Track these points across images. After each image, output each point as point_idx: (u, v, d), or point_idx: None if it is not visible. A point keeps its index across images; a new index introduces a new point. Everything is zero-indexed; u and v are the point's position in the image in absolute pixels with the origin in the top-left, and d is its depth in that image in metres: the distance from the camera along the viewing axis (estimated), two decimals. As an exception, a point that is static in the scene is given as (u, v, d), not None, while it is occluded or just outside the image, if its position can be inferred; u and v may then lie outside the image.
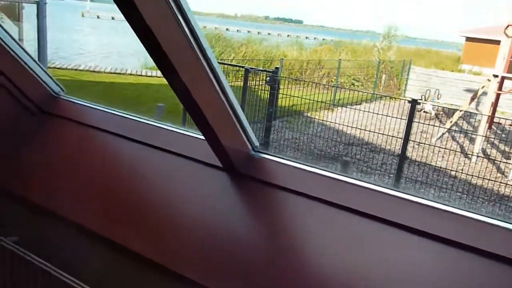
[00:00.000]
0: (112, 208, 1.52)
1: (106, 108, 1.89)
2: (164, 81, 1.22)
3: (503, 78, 8.39)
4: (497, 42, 31.93)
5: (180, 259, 1.29)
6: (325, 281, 1.15)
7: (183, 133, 1.65)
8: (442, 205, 1.20)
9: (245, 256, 1.25)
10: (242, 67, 7.58)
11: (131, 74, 14.41)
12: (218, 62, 4.83)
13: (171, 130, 1.68)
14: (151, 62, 15.50)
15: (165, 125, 1.72)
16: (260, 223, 1.38)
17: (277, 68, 6.52)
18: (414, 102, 4.47)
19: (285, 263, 1.21)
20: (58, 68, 13.78)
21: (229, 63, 9.37)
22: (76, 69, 14.23)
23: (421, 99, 13.94)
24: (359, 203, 1.25)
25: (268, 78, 6.17)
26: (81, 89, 10.27)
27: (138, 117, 1.80)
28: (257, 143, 1.49)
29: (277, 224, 1.36)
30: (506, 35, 7.82)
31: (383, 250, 1.18)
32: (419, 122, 7.71)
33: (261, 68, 8.68)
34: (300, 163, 1.42)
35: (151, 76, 14.40)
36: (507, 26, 7.74)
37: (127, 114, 1.82)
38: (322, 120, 10.25)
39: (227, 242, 1.30)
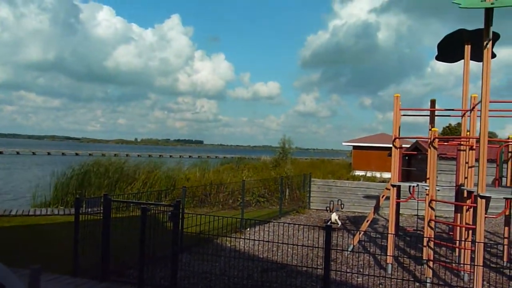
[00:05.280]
0: None
1: None
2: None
3: (399, 186, 8.77)
4: (378, 148, 35.41)
5: None
6: None
7: None
8: None
9: None
10: (139, 203, 6.93)
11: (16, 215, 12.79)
12: (112, 200, 4.15)
13: None
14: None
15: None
16: None
17: (178, 201, 6.00)
18: (328, 229, 4.17)
19: None
20: None
21: (124, 200, 8.61)
22: None
23: (327, 210, 14.18)
24: None
25: (170, 213, 5.61)
26: None
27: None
28: None
29: None
30: (394, 146, 8.34)
31: None
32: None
33: (161, 203, 8.10)
34: None
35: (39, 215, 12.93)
36: (395, 139, 8.29)
37: None
38: (233, 246, 9.68)
39: None
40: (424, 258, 7.76)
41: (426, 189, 8.02)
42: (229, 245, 9.75)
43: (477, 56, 8.44)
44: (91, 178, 15.92)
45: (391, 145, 8.73)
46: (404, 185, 8.98)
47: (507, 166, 9.55)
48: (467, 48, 8.48)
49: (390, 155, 9.14)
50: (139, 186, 16.16)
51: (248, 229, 11.71)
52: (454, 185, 9.39)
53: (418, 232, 11.39)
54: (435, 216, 8.11)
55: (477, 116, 8.03)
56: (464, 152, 8.65)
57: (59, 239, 9.76)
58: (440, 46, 8.94)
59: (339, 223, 12.69)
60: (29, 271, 3.62)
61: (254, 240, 9.27)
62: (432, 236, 7.84)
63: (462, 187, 8.47)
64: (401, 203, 10.22)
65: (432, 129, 8.14)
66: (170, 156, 73.56)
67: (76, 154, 73.28)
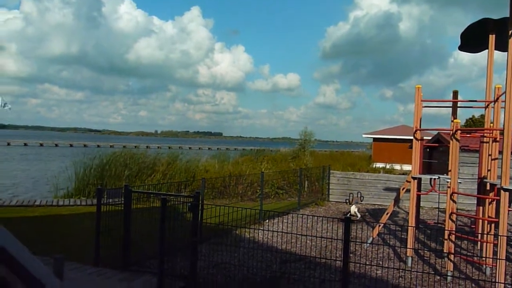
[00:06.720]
0: None
1: None
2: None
3: (420, 179, 8.65)
4: (398, 141, 34.86)
5: None
6: None
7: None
8: None
9: None
10: (159, 194, 7.01)
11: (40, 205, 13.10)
12: (132, 191, 4.22)
13: None
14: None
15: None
16: None
17: (198, 192, 6.05)
18: (347, 221, 4.16)
19: None
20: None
21: (144, 191, 8.73)
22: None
23: (346, 202, 14.11)
24: None
25: (190, 204, 5.66)
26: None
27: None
28: None
29: None
30: (415, 138, 8.22)
31: None
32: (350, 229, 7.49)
33: (181, 194, 8.18)
34: None
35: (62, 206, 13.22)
36: (416, 131, 8.17)
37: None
38: (252, 237, 9.73)
39: None
40: (445, 251, 7.67)
41: (447, 182, 7.89)
42: (248, 236, 9.81)
43: (501, 45, 8.22)
44: (111, 169, 16.18)
45: (412, 137, 8.61)
46: (425, 178, 8.86)
47: (532, 159, 9.32)
48: (492, 38, 8.27)
49: (411, 147, 9.02)
50: (159, 178, 16.36)
51: (267, 220, 11.75)
52: (477, 177, 9.21)
53: (439, 225, 11.25)
54: (457, 209, 7.98)
55: (501, 108, 7.84)
56: (487, 144, 8.47)
57: (81, 229, 9.97)
58: (464, 35, 8.74)
59: (359, 215, 12.62)
60: (52, 260, 3.69)
61: (273, 231, 9.29)
62: (453, 229, 7.74)
63: (485, 180, 8.32)
64: (421, 195, 10.09)
65: (455, 120, 7.99)
66: (190, 148, 74.12)
67: (98, 146, 74.50)
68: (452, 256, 7.43)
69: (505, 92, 6.75)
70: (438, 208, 12.70)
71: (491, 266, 7.45)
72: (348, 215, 12.36)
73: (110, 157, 17.11)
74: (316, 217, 9.75)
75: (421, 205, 11.78)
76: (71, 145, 78.44)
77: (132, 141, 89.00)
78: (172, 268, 6.79)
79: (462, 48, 9.23)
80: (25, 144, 73.79)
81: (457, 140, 7.68)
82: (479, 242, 8.65)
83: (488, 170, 8.31)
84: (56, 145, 77.39)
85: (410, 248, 8.13)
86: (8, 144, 70.68)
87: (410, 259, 8.11)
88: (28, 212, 12.07)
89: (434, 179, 8.95)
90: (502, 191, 6.77)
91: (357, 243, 9.29)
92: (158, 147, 69.57)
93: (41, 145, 75.85)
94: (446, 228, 7.71)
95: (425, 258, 8.74)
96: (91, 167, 16.29)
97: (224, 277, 6.89)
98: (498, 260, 6.58)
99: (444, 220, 8.24)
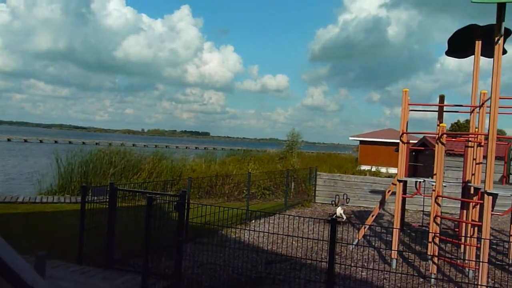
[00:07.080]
0: None
1: None
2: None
3: (405, 182, 8.73)
4: (385, 144, 35.07)
5: None
6: None
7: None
8: None
9: None
10: (145, 192, 6.95)
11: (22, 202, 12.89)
12: (118, 189, 4.16)
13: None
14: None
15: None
16: None
17: (184, 191, 6.02)
18: (333, 222, 4.16)
19: None
20: None
21: (130, 189, 8.66)
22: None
23: (332, 204, 14.17)
24: None
25: (176, 203, 5.62)
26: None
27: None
28: None
29: None
30: (402, 141, 8.29)
31: None
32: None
33: (167, 193, 8.12)
34: None
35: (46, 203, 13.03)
36: (402, 134, 8.24)
37: None
38: (238, 237, 9.70)
39: None
40: (429, 254, 7.74)
41: (432, 185, 7.98)
42: (234, 236, 9.78)
43: (488, 52, 8.34)
44: (97, 166, 16.00)
45: (398, 141, 8.69)
46: (411, 181, 8.94)
47: (515, 164, 9.47)
48: (478, 44, 8.38)
49: (397, 150, 9.10)
50: (145, 176, 16.23)
51: (253, 221, 11.74)
52: (461, 181, 9.33)
53: (424, 228, 11.37)
54: (441, 212, 8.07)
55: (486, 113, 7.95)
56: (472, 148, 8.58)
57: (65, 227, 9.83)
58: (451, 41, 8.84)
59: (344, 217, 12.68)
60: (34, 258, 3.62)
61: (259, 232, 9.28)
62: (438, 232, 7.82)
63: (469, 184, 8.42)
64: (407, 198, 10.18)
65: (440, 124, 8.08)
66: (177, 147, 73.64)
67: (83, 143, 73.61)
68: (436, 258, 7.51)
69: (490, 98, 6.85)
70: (423, 211, 12.84)
71: (473, 269, 7.54)
72: (334, 216, 12.40)
73: (96, 154, 16.93)
74: (302, 218, 9.77)
75: (406, 207, 11.89)
76: (56, 142, 77.39)
77: (118, 139, 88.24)
78: (157, 267, 6.73)
79: (449, 53, 9.34)
80: (9, 140, 72.65)
81: (442, 144, 7.76)
82: (462, 245, 8.75)
83: (472, 174, 8.42)
84: (41, 141, 76.29)
85: (394, 250, 8.19)
86: (-8, 139, 69.47)
87: (394, 261, 8.17)
88: (11, 209, 11.86)
89: (420, 182, 9.03)
90: (485, 195, 6.86)
91: (342, 244, 9.33)
92: (145, 145, 69.04)
93: (25, 141, 74.72)
94: (430, 231, 7.78)
95: (410, 260, 8.82)
96: (74, 164, 16.08)
97: (209, 277, 6.86)
98: (480, 263, 6.67)
99: (429, 223, 8.32)
